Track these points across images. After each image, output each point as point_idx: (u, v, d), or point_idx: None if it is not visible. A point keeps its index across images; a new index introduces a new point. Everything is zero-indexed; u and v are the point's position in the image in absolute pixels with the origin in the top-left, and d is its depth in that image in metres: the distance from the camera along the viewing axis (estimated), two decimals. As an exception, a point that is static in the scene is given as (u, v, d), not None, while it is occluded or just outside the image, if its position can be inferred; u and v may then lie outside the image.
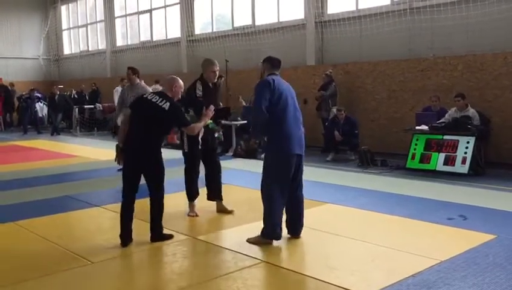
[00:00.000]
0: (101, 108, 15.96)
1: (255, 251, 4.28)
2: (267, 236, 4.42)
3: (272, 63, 4.61)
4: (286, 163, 4.37)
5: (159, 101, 4.40)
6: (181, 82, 4.64)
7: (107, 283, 3.74)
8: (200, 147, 5.34)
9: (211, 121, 5.11)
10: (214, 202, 5.66)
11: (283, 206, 4.44)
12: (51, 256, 4.27)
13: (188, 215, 5.46)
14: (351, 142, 9.27)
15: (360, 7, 10.74)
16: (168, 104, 4.37)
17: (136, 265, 4.04)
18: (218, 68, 5.44)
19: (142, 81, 8.41)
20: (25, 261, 4.15)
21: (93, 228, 5.27)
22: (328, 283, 3.59)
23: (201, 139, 5.28)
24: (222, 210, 5.59)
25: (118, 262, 4.16)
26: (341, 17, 10.83)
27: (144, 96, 4.59)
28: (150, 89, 8.07)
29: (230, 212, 5.55)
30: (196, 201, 5.53)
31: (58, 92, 16.20)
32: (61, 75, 21.75)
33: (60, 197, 6.57)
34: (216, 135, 5.58)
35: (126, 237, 4.45)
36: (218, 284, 3.63)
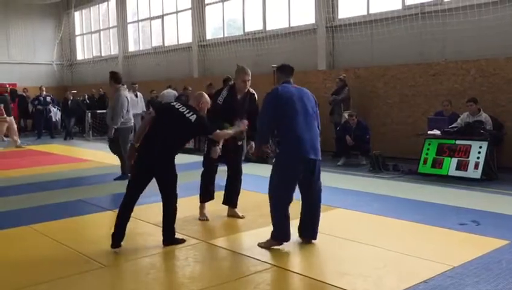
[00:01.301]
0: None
1: (267, 255, 4.29)
2: (275, 238, 4.46)
3: (284, 72, 4.69)
4: (294, 166, 4.39)
5: (186, 112, 4.45)
6: (207, 98, 4.71)
7: (119, 286, 3.78)
8: (219, 153, 5.32)
9: (230, 127, 5.11)
10: (225, 206, 5.68)
11: (287, 207, 4.43)
12: (64, 259, 4.32)
13: (199, 219, 5.47)
14: (363, 147, 9.25)
15: (371, 11, 10.73)
16: (194, 116, 4.45)
17: (148, 269, 4.07)
18: (249, 78, 5.29)
19: (125, 85, 8.47)
20: (39, 264, 4.21)
21: (106, 232, 5.29)
22: (339, 287, 3.59)
23: (223, 145, 5.27)
24: (233, 215, 5.61)
25: (130, 265, 4.19)
26: (352, 21, 10.83)
27: (172, 104, 4.66)
28: (127, 93, 8.23)
29: (241, 217, 5.55)
30: (207, 204, 5.55)
31: (71, 97, 16.39)
32: (74, 81, 21.99)
33: (73, 201, 6.64)
34: (239, 143, 5.52)
35: (119, 237, 4.43)
36: (230, 288, 3.64)
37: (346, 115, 9.79)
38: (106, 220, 5.75)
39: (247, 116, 5.25)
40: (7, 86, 15.95)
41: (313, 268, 4.15)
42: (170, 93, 14.22)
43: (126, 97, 8.14)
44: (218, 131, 4.60)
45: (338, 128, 9.88)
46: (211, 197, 5.54)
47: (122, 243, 4.47)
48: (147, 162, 4.45)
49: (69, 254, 4.48)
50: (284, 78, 4.65)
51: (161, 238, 4.65)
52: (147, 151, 4.45)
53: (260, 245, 4.49)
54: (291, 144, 4.41)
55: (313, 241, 4.59)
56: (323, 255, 4.40)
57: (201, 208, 5.53)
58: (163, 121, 4.48)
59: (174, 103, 4.65)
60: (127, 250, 4.55)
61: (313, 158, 4.43)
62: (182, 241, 4.67)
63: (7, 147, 13.50)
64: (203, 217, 5.48)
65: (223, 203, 5.65)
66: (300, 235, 4.63)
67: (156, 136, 4.43)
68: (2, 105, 13.32)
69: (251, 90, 5.42)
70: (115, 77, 8.15)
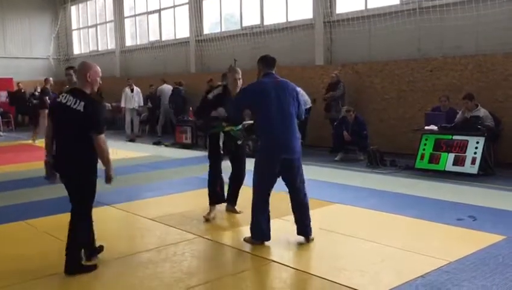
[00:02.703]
0: (110, 107, 16.02)
1: (264, 250, 4.30)
2: (252, 237, 4.44)
3: (266, 63, 4.58)
4: (269, 164, 4.40)
5: (72, 103, 3.70)
6: (96, 68, 3.92)
7: (117, 281, 3.77)
8: (221, 152, 5.33)
9: (234, 128, 5.10)
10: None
11: (265, 206, 4.44)
12: (60, 254, 4.30)
13: (203, 216, 5.35)
14: (360, 143, 9.25)
15: (369, 7, 10.70)
16: (82, 104, 3.68)
17: (146, 264, 4.07)
18: (240, 76, 5.23)
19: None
20: (37, 259, 4.20)
21: (103, 227, 5.30)
22: (336, 283, 3.60)
23: (223, 144, 5.29)
24: (231, 210, 5.62)
25: (128, 261, 4.19)
26: (350, 16, 10.80)
27: (58, 99, 3.88)
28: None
29: (238, 213, 5.55)
30: (218, 206, 5.50)
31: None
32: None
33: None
34: (239, 142, 5.42)
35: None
36: (227, 283, 3.65)
37: (344, 110, 9.79)
38: (103, 215, 5.75)
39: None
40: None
41: (310, 263, 4.15)
42: (169, 88, 14.18)
43: None
44: (102, 137, 3.74)
45: (335, 123, 9.88)
46: (220, 200, 5.49)
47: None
48: (58, 167, 3.88)
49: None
50: (266, 70, 4.53)
51: (159, 233, 4.61)
52: (56, 155, 3.88)
53: (245, 239, 4.51)
54: (265, 143, 4.43)
55: (310, 237, 4.56)
56: (320, 250, 4.40)
57: (211, 209, 5.43)
58: (55, 121, 3.86)
59: (61, 97, 3.84)
60: (125, 245, 4.55)
61: (287, 157, 4.37)
62: (91, 269, 3.90)
63: (4, 142, 13.45)
64: (207, 216, 5.33)
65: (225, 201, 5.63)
66: (298, 234, 4.58)
67: (57, 137, 3.86)
68: None
69: None
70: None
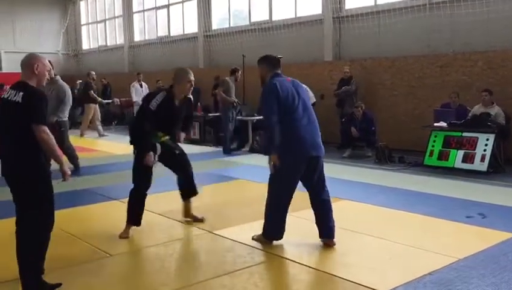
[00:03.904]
0: (119, 103, 16.09)
1: (273, 246, 4.29)
2: (266, 236, 4.33)
3: (272, 63, 4.30)
4: (295, 166, 4.16)
5: (12, 96, 3.31)
6: (46, 61, 3.55)
7: (125, 275, 3.79)
8: (155, 161, 4.58)
9: (163, 136, 4.60)
10: (231, 197, 5.65)
11: (285, 208, 4.26)
12: (71, 248, 4.34)
13: (121, 235, 4.63)
14: (368, 139, 9.21)
15: (378, 2, 10.64)
16: (21, 94, 3.27)
17: (153, 258, 4.09)
18: (193, 78, 4.71)
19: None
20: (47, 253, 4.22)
21: (112, 222, 5.33)
22: (344, 279, 3.60)
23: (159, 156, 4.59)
24: (190, 215, 5.07)
25: (136, 255, 4.21)
26: (359, 12, 10.75)
27: (3, 96, 3.46)
28: (66, 87, 7.69)
29: (200, 220, 5.05)
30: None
31: (78, 87, 16.40)
32: (80, 70, 22.00)
33: (79, 190, 6.65)
34: (177, 152, 4.85)
35: None
36: (235, 278, 3.65)
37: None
38: (113, 209, 5.79)
39: (183, 122, 4.91)
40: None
41: (317, 259, 4.15)
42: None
43: None
44: (43, 127, 3.25)
45: (343, 120, 9.84)
46: (138, 223, 4.71)
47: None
48: (5, 174, 3.39)
49: (75, 243, 4.50)
50: (274, 70, 4.26)
51: (166, 227, 4.60)
52: (2, 155, 3.42)
53: (253, 238, 4.39)
54: (292, 144, 4.11)
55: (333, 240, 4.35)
56: (328, 246, 4.39)
57: (129, 228, 4.68)
58: (1, 119, 3.41)
59: (8, 91, 3.43)
60: (134, 240, 4.57)
61: (315, 155, 4.23)
62: (54, 287, 3.43)
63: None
64: (126, 235, 4.63)
65: (185, 199, 5.02)
66: (320, 237, 4.37)
67: (3, 136, 3.40)
68: None
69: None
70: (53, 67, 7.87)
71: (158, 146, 4.57)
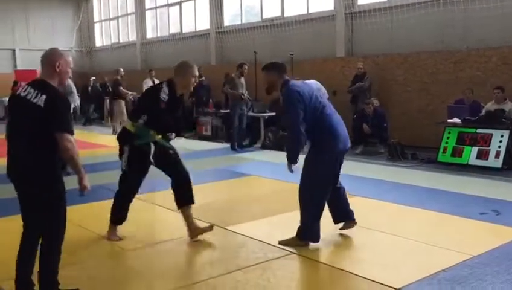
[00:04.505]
0: (132, 99, 16.17)
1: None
2: (303, 238, 4.21)
3: (281, 69, 4.26)
4: (332, 161, 4.19)
5: (33, 96, 3.01)
6: (69, 58, 3.21)
7: (140, 270, 3.83)
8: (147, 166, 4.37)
9: (155, 134, 4.29)
10: (242, 193, 5.62)
11: (323, 207, 4.25)
12: (87, 243, 4.40)
13: (112, 239, 4.44)
14: (380, 135, 9.17)
15: (391, -2, 10.57)
16: (43, 97, 2.98)
17: (166, 254, 4.12)
18: (197, 74, 4.51)
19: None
20: (63, 246, 4.28)
21: (128, 217, 5.39)
22: (357, 275, 3.60)
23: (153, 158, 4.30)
24: (189, 216, 4.53)
25: (149, 250, 4.25)
26: (371, 8, 10.69)
27: (18, 92, 3.14)
28: (73, 87, 7.54)
29: (207, 230, 4.57)
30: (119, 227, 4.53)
31: (91, 84, 16.58)
32: (93, 67, 22.17)
33: (93, 186, 6.67)
34: (171, 151, 4.51)
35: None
36: (248, 273, 3.67)
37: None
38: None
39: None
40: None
41: (330, 255, 4.15)
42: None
43: None
44: (68, 136, 3.00)
45: (355, 116, 9.81)
46: (123, 221, 4.52)
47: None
48: (17, 182, 3.13)
49: (91, 237, 4.57)
50: (282, 76, 4.21)
51: (181, 223, 4.59)
52: (11, 159, 3.14)
53: (282, 243, 4.24)
54: (328, 139, 4.12)
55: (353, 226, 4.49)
56: (341, 243, 4.40)
57: (114, 229, 4.50)
58: (13, 121, 3.19)
59: (20, 89, 3.14)
60: (146, 235, 4.62)
61: (346, 149, 4.29)
62: None
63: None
64: (118, 238, 4.47)
65: (180, 206, 4.54)
66: (340, 220, 4.49)
67: (13, 137, 3.14)
68: None
69: None
70: None
71: (152, 146, 4.24)
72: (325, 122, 4.14)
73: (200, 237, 4.48)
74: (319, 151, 4.15)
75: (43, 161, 3.03)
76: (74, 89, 7.54)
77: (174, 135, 4.56)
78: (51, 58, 3.12)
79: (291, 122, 4.08)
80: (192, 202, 4.48)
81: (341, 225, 4.55)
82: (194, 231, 4.43)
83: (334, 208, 4.46)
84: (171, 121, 4.25)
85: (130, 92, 13.83)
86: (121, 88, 13.26)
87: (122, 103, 13.40)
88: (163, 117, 4.19)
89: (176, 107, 4.32)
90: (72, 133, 3.04)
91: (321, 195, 4.19)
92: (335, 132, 4.15)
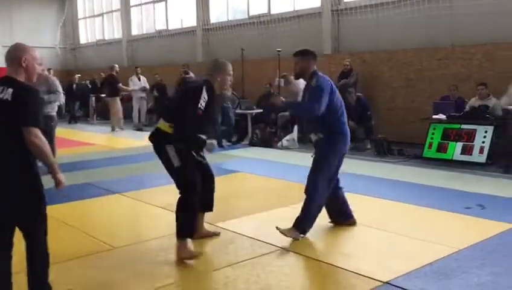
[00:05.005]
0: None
1: (273, 238, 4.31)
2: (302, 230, 4.27)
3: (315, 58, 4.40)
4: (339, 161, 4.37)
5: (0, 92, 2.85)
6: (35, 53, 3.00)
7: (128, 267, 3.82)
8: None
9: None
10: (231, 189, 5.63)
11: (324, 203, 4.38)
12: (74, 241, 4.37)
13: (188, 258, 3.90)
14: (366, 125, 9.20)
15: (377, -5, 10.64)
16: (10, 90, 2.83)
17: (157, 251, 4.12)
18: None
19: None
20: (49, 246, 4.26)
21: (113, 214, 5.38)
22: (344, 269, 3.64)
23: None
24: (203, 232, 4.42)
25: (139, 247, 4.24)
26: (357, 5, 10.75)
27: None
28: (58, 85, 7.36)
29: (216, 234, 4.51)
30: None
31: (76, 81, 16.42)
32: (78, 64, 21.96)
33: (80, 184, 6.67)
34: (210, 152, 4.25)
35: None
36: (238, 269, 3.69)
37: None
38: (113, 203, 5.82)
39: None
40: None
41: (318, 250, 4.19)
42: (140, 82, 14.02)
43: None
44: (34, 130, 2.79)
45: None
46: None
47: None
48: None
49: (77, 235, 4.54)
50: (314, 65, 4.36)
51: (169, 220, 4.58)
52: None
53: (282, 232, 4.22)
54: (340, 138, 4.32)
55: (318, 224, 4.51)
56: (329, 237, 4.44)
57: (189, 243, 3.93)
58: None
59: None
60: (136, 232, 4.60)
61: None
62: None
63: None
64: (197, 254, 3.98)
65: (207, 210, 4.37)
66: (342, 220, 4.62)
67: None
68: None
69: None
70: None
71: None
72: (343, 125, 4.35)
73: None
74: (333, 149, 4.32)
75: (19, 167, 2.84)
76: (59, 88, 7.42)
77: (215, 141, 4.32)
78: (15, 54, 2.93)
79: (317, 107, 4.14)
80: (211, 209, 4.37)
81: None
82: (200, 229, 4.33)
83: (338, 209, 4.59)
84: (208, 128, 4.06)
85: (130, 88, 13.74)
86: (120, 85, 13.17)
87: (118, 99, 13.32)
88: (198, 125, 3.88)
89: (213, 111, 4.03)
90: (40, 128, 2.81)
91: (326, 192, 4.32)
92: (345, 133, 4.38)
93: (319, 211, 4.33)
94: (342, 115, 4.36)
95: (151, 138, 4.04)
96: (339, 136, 4.33)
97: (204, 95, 3.83)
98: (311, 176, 4.32)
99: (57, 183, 2.94)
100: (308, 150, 9.49)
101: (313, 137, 4.52)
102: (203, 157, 4.24)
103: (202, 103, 3.81)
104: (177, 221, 3.89)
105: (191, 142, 3.93)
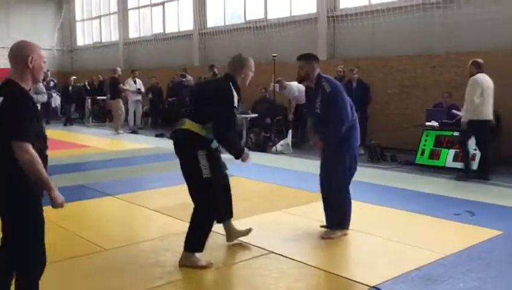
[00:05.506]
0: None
1: (263, 242, 4.36)
2: (347, 225, 4.52)
3: (318, 61, 4.51)
4: (355, 159, 4.55)
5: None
6: (39, 50, 2.73)
7: (120, 269, 3.85)
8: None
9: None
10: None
11: None
12: (66, 242, 4.40)
13: (204, 266, 3.81)
14: (362, 108, 9.13)
15: (372, 2, 10.74)
16: (1, 98, 2.56)
17: (148, 253, 4.15)
18: None
19: None
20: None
21: (106, 216, 5.41)
22: (332, 273, 3.68)
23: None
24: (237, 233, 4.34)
25: (131, 250, 4.27)
26: (353, 12, 10.85)
27: None
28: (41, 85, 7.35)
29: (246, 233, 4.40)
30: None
31: (72, 83, 16.44)
32: (75, 66, 21.98)
33: (74, 186, 6.69)
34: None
35: None
36: (228, 272, 3.73)
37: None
38: (106, 205, 5.85)
39: None
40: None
41: (307, 254, 4.21)
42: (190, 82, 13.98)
43: None
44: (24, 145, 2.50)
45: None
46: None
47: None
48: None
49: (69, 237, 4.56)
50: (318, 68, 4.46)
51: (161, 223, 4.64)
52: None
53: (326, 237, 4.44)
54: (353, 138, 4.49)
55: (308, 228, 4.65)
56: (318, 242, 4.46)
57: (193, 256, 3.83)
58: None
59: None
60: (127, 235, 4.63)
61: None
62: None
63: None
64: (209, 263, 3.87)
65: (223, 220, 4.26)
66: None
67: None
68: None
69: None
70: None
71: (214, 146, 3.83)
72: (351, 117, 4.41)
73: (180, 237, 4.50)
74: (350, 150, 4.48)
75: (9, 174, 2.55)
76: (43, 88, 7.45)
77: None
78: (20, 53, 2.65)
79: (345, 115, 4.30)
80: (231, 216, 4.30)
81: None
82: (233, 234, 4.29)
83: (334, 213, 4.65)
84: (234, 132, 3.95)
85: (132, 89, 13.75)
86: (121, 85, 13.25)
87: (121, 102, 13.38)
88: (232, 125, 3.81)
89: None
90: (29, 140, 2.51)
91: (348, 185, 4.54)
92: (356, 135, 4.52)
93: (350, 207, 4.53)
94: (353, 117, 4.48)
95: (180, 141, 3.84)
96: (353, 135, 4.49)
97: (234, 93, 3.75)
98: (335, 178, 4.46)
99: (53, 199, 2.63)
100: (302, 155, 9.57)
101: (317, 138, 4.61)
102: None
103: (235, 100, 3.72)
104: (188, 233, 3.81)
105: (236, 141, 3.94)
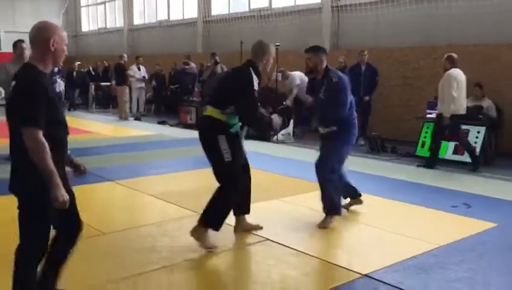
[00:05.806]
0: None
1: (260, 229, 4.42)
2: (337, 212, 4.58)
3: (326, 53, 4.58)
4: (348, 150, 4.69)
5: (13, 84, 2.53)
6: (61, 32, 2.63)
7: (117, 252, 3.92)
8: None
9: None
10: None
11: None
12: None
13: (209, 248, 3.92)
14: (370, 90, 9.41)
15: (377, -8, 10.67)
16: (13, 83, 2.51)
17: (145, 238, 4.21)
18: None
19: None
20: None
21: (107, 201, 5.48)
22: (326, 261, 3.74)
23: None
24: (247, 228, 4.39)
25: (128, 234, 4.33)
26: (358, 2, 10.80)
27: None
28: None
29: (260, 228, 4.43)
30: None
31: (76, 69, 16.48)
32: (79, 52, 21.99)
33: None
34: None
35: None
36: (224, 258, 3.79)
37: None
38: (107, 190, 5.91)
39: None
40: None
41: (302, 242, 4.26)
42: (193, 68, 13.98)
43: None
44: (30, 131, 2.39)
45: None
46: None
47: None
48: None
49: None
50: (326, 60, 4.51)
51: (159, 208, 4.70)
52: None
53: (322, 226, 4.48)
54: (352, 130, 4.58)
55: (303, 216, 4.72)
56: (313, 230, 4.51)
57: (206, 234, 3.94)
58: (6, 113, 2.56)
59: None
60: (126, 219, 4.70)
61: None
62: None
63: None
64: (214, 246, 3.97)
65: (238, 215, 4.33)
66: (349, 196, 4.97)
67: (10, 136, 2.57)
68: None
69: None
70: None
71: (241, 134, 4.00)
72: (352, 115, 4.55)
73: (178, 223, 4.58)
74: (346, 140, 4.57)
75: (22, 160, 2.47)
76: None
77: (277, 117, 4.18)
78: (42, 35, 2.53)
79: (342, 108, 4.37)
80: (248, 212, 4.32)
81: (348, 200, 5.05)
82: (244, 226, 4.34)
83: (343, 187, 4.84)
84: (259, 113, 3.93)
85: (137, 76, 13.78)
86: (128, 72, 13.29)
87: (127, 89, 13.41)
88: (255, 107, 3.85)
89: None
90: (37, 126, 2.39)
91: (338, 172, 4.62)
92: (355, 127, 4.62)
93: (336, 190, 4.58)
94: (352, 108, 4.55)
95: (202, 127, 4.06)
96: (351, 128, 4.58)
97: (254, 76, 3.84)
98: (321, 163, 4.52)
99: (54, 199, 2.45)
100: (303, 144, 9.60)
101: (322, 130, 4.65)
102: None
103: (255, 85, 3.81)
104: (207, 208, 3.91)
105: (262, 124, 4.05)
